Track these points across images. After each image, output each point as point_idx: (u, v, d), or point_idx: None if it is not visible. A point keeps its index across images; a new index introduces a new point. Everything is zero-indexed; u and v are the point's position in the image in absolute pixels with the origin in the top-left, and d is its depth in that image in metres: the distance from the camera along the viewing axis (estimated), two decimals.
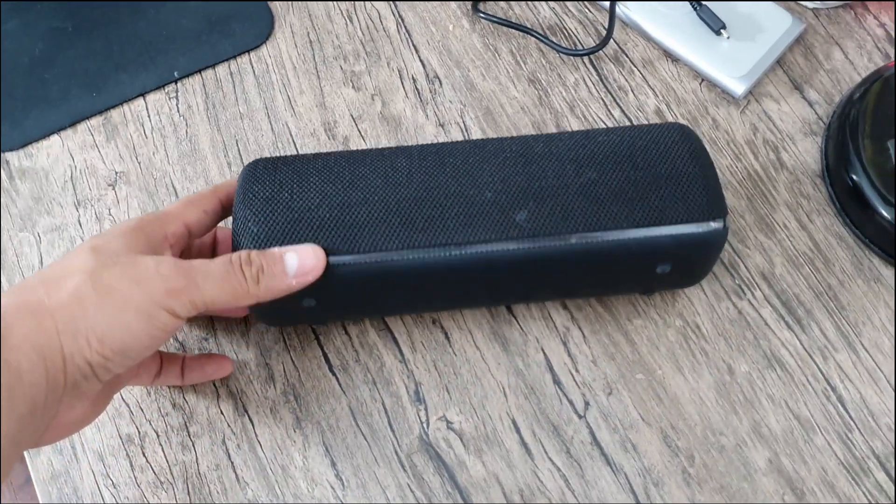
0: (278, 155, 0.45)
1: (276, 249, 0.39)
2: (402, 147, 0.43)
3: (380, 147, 0.46)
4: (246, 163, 0.51)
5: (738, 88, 0.51)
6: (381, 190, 0.40)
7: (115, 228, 0.38)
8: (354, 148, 0.51)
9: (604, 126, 0.51)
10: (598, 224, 0.39)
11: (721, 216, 0.40)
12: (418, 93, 0.53)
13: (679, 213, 0.40)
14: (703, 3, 0.52)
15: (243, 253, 0.38)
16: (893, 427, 0.44)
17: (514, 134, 0.51)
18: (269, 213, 0.40)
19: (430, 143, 0.46)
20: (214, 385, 0.46)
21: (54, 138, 0.53)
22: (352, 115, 0.53)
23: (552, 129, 0.51)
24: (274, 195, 0.40)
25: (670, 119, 0.51)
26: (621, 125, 0.43)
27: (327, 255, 0.39)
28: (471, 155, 0.42)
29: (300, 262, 0.39)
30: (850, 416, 0.44)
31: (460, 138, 0.52)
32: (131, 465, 0.45)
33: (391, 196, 0.40)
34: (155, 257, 0.37)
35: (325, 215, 0.40)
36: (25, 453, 0.45)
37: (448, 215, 0.40)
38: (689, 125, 0.45)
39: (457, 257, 0.40)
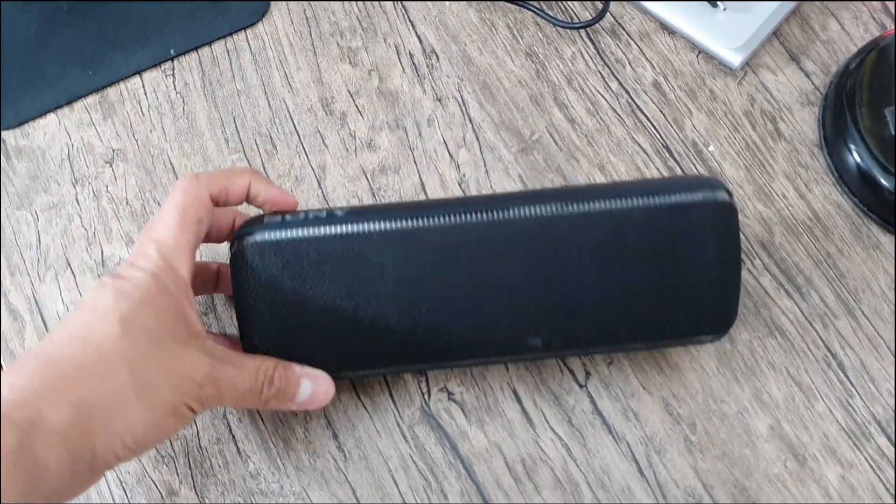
0: (265, 231, 0.40)
1: (297, 371, 0.40)
2: (416, 231, 0.40)
3: (393, 227, 0.40)
4: (244, 139, 0.51)
5: (735, 60, 0.51)
6: (395, 312, 0.40)
7: (135, 288, 0.36)
8: (352, 125, 0.51)
9: (603, 99, 0.51)
10: (612, 341, 0.42)
11: (730, 324, 0.41)
12: (415, 68, 0.53)
13: (694, 329, 0.41)
14: None
15: (270, 370, 0.39)
16: (894, 392, 0.44)
17: (513, 108, 0.51)
18: (281, 339, 0.40)
19: (445, 202, 0.42)
20: None
21: (51, 117, 0.52)
22: (349, 91, 0.53)
23: (550, 103, 0.51)
24: (279, 318, 0.40)
25: (667, 90, 0.51)
26: (653, 197, 0.40)
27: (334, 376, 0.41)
28: (491, 257, 0.40)
29: (312, 393, 0.40)
30: (851, 383, 0.45)
31: (458, 113, 0.51)
32: None
33: (405, 321, 0.40)
34: (191, 356, 0.37)
35: (336, 345, 0.40)
36: None
37: (462, 342, 0.40)
38: (720, 182, 0.40)
39: (465, 364, 0.43)
